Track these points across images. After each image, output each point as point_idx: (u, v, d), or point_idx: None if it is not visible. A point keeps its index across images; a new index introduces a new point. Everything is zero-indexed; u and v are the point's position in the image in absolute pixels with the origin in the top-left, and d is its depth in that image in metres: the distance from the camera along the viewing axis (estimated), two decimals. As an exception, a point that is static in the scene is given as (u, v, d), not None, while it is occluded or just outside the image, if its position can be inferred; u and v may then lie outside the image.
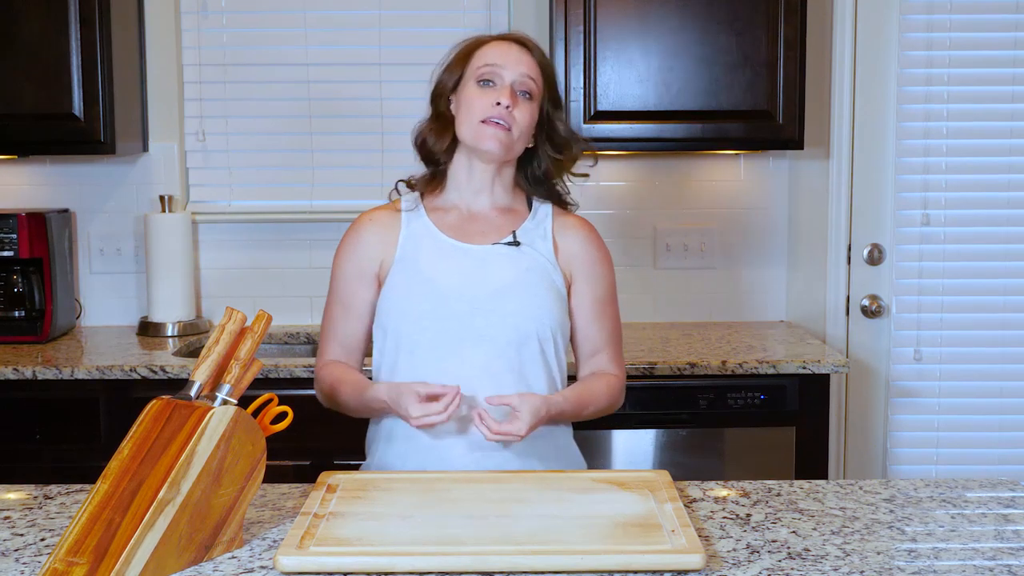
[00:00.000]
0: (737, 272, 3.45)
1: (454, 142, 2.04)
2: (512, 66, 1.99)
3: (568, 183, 2.12)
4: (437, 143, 2.05)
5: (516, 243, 2.02)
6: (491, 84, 1.99)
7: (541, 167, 2.07)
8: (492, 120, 1.96)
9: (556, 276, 2.03)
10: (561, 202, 2.10)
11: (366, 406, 1.98)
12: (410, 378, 1.95)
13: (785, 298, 3.47)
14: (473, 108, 1.98)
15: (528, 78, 1.99)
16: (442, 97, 2.06)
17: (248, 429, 1.53)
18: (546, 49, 3.23)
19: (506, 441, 1.87)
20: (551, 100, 2.05)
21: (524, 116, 1.98)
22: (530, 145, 2.05)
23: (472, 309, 1.95)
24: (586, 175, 2.14)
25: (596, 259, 2.09)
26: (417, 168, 2.14)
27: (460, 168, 2.05)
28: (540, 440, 1.98)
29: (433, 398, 1.85)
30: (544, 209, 2.09)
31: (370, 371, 2.08)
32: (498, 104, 1.95)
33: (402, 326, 1.97)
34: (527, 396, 1.88)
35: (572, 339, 2.08)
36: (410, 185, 2.10)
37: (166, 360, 2.91)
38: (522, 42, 2.04)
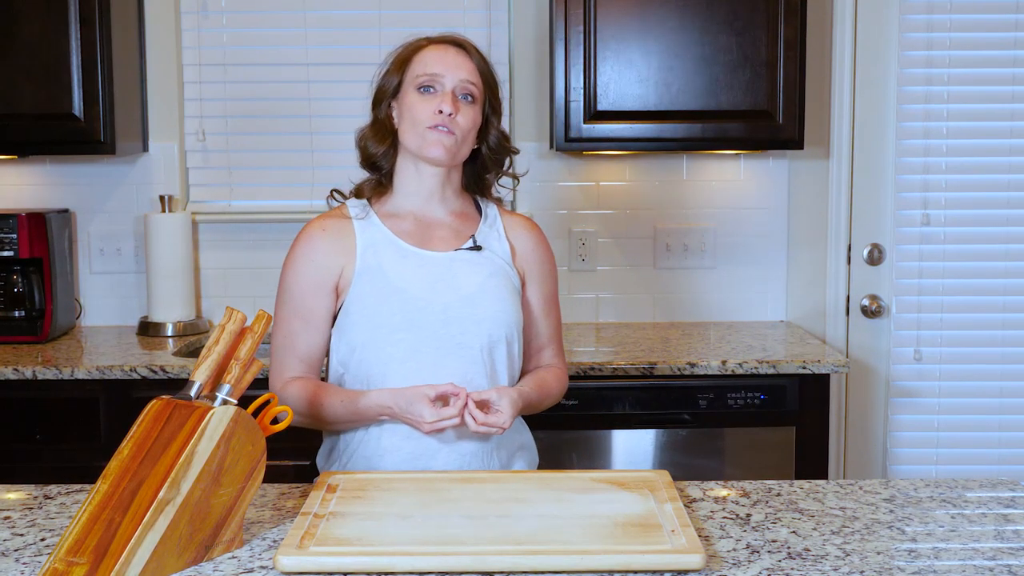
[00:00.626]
0: (737, 272, 3.45)
1: (396, 146, 2.04)
2: (452, 71, 1.99)
3: (503, 186, 2.15)
4: (376, 147, 2.04)
5: (477, 248, 2.03)
6: (432, 91, 1.98)
7: (481, 169, 2.09)
8: (437, 127, 1.96)
9: (514, 277, 2.06)
10: (495, 199, 2.13)
11: (359, 415, 1.94)
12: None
13: (785, 298, 3.47)
14: (416, 116, 1.98)
15: (468, 83, 1.99)
16: (382, 102, 2.05)
17: (248, 429, 1.53)
18: (544, 48, 3.25)
19: (489, 433, 1.90)
20: (491, 104, 2.05)
21: (467, 120, 1.99)
22: (475, 147, 2.06)
23: (446, 318, 1.95)
24: (516, 178, 2.15)
25: (545, 258, 2.13)
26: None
27: (408, 174, 2.05)
28: (507, 439, 2.02)
29: (441, 399, 1.87)
30: (492, 211, 2.12)
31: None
32: (440, 112, 1.96)
33: (375, 338, 1.95)
34: (503, 390, 1.91)
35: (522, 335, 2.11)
36: (357, 194, 2.09)
37: (166, 360, 2.91)
38: (460, 44, 2.04)
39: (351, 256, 2.00)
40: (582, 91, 3.05)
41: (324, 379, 2.07)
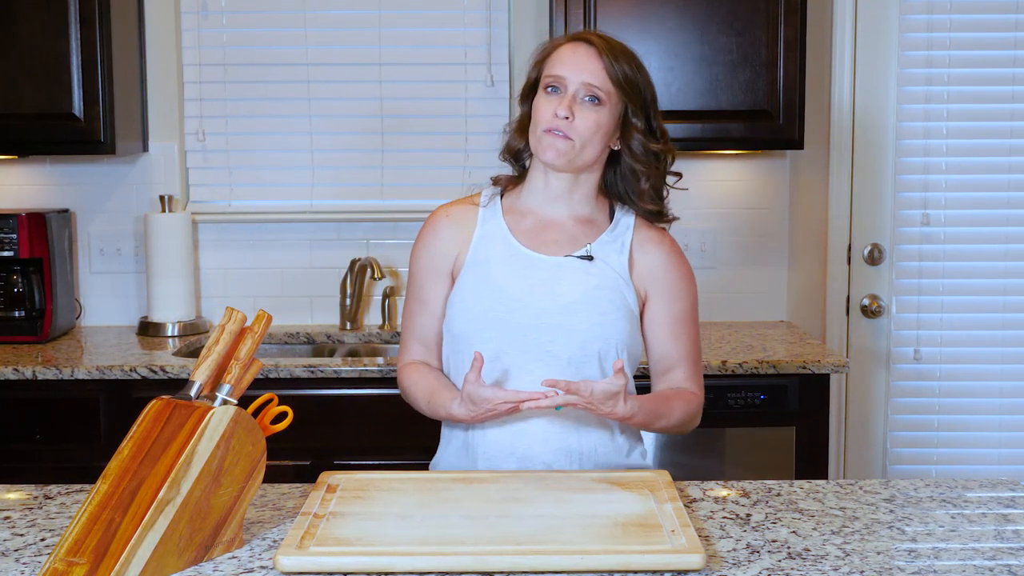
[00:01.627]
0: (737, 272, 3.45)
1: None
2: (576, 73, 1.91)
3: (665, 193, 2.02)
4: (516, 141, 2.03)
5: (589, 257, 1.96)
6: (557, 91, 1.93)
7: (622, 174, 2.00)
8: (552, 131, 1.91)
9: (628, 292, 1.97)
10: (646, 214, 2.01)
11: (443, 420, 1.98)
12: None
13: (785, 298, 3.47)
14: (538, 117, 1.94)
15: (591, 85, 1.91)
16: (526, 97, 2.02)
17: (248, 429, 1.53)
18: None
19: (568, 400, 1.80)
20: (631, 105, 1.94)
21: (587, 124, 1.90)
22: (616, 147, 1.98)
23: (538, 323, 1.91)
24: (678, 174, 2.04)
25: (675, 277, 2.01)
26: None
27: (537, 175, 2.01)
28: (609, 456, 1.96)
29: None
30: (626, 221, 2.02)
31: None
32: (556, 115, 1.90)
33: (467, 332, 1.93)
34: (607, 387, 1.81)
35: (647, 356, 2.03)
36: (496, 181, 2.06)
37: (166, 360, 2.91)
38: (593, 43, 1.94)
39: (467, 244, 2.00)
40: (582, 91, 3.04)
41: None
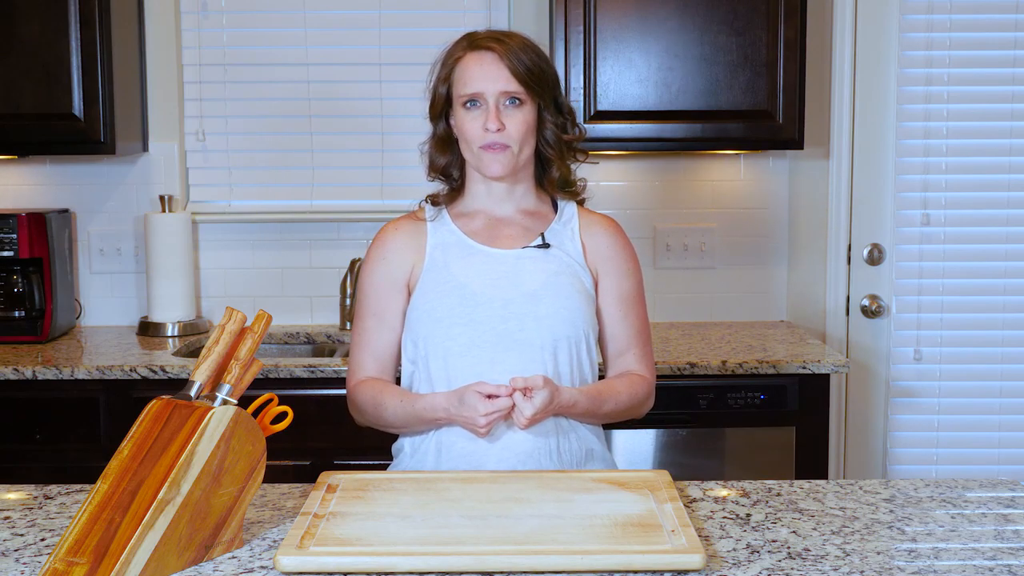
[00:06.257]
0: (737, 272, 3.45)
1: (461, 154, 2.03)
2: (490, 84, 1.94)
3: (575, 174, 2.09)
4: (441, 159, 2.05)
5: (545, 245, 2.01)
6: (476, 105, 1.96)
7: (546, 163, 2.05)
8: (489, 147, 1.95)
9: (585, 277, 2.02)
10: (572, 193, 2.07)
11: (417, 418, 1.94)
12: (445, 386, 1.93)
13: (785, 298, 3.47)
14: (467, 135, 1.97)
15: (508, 92, 1.95)
16: (438, 115, 2.03)
17: (248, 429, 1.53)
18: (545, 49, 3.24)
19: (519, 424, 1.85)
20: (542, 101, 1.99)
21: (517, 126, 1.95)
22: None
23: (505, 313, 1.94)
24: (585, 153, 2.10)
25: (621, 256, 2.07)
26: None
27: (476, 178, 2.04)
28: (573, 444, 1.97)
29: (492, 398, 1.85)
30: (569, 209, 2.08)
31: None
32: (487, 130, 1.94)
33: (435, 332, 1.95)
34: (548, 383, 1.85)
35: (600, 339, 2.05)
36: (434, 202, 2.08)
37: (166, 360, 2.91)
38: (494, 49, 1.96)
39: (421, 255, 2.02)
40: (582, 91, 3.05)
41: (398, 379, 2.06)
